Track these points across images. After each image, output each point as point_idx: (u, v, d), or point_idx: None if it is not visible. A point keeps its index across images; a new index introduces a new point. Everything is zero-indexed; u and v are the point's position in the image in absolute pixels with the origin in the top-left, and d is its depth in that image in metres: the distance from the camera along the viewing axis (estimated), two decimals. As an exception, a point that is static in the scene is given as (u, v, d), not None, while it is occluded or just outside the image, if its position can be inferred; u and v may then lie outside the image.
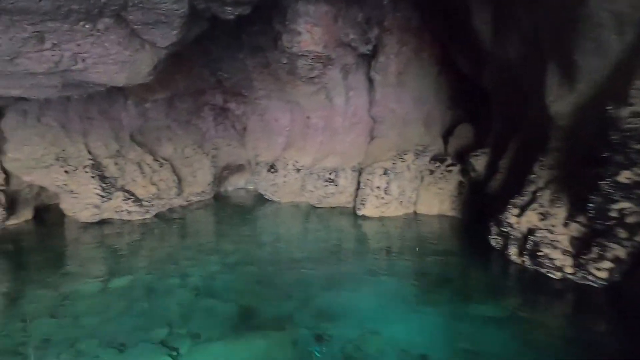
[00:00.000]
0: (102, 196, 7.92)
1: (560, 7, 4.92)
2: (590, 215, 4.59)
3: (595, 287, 4.60)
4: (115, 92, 8.19)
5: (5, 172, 7.63)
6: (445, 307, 4.48)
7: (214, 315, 4.34)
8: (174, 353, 3.69)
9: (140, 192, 8.42)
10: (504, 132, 7.15)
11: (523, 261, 5.36)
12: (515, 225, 5.56)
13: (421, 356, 3.56)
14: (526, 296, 4.80)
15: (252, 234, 7.68)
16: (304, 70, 8.56)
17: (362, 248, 7.02)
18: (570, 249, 4.92)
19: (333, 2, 7.79)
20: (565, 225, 5.04)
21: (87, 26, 4.53)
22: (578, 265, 4.77)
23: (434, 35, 8.27)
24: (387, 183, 8.24)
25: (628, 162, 4.29)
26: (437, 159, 8.53)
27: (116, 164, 8.38)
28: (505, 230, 5.70)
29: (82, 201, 7.87)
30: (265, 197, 10.10)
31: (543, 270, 5.04)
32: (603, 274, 4.52)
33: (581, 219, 4.85)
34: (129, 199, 8.18)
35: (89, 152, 8.04)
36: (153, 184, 8.72)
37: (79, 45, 4.75)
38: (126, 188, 8.33)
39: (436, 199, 8.30)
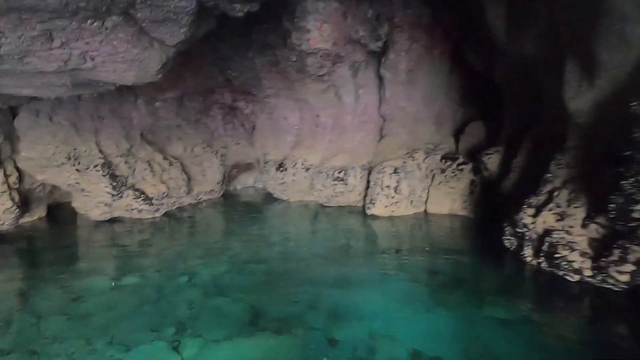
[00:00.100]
0: (113, 195, 7.98)
1: (580, 0, 4.75)
2: (612, 216, 4.43)
3: (615, 290, 4.44)
4: (125, 92, 8.24)
5: (19, 170, 7.76)
6: (459, 309, 4.37)
7: (223, 314, 4.33)
8: (183, 352, 3.68)
9: (150, 191, 8.47)
10: (517, 130, 6.97)
11: (539, 263, 5.22)
12: (531, 226, 5.41)
13: (434, 359, 3.48)
14: (542, 299, 4.66)
15: (261, 232, 7.65)
16: (313, 68, 8.49)
17: (372, 247, 6.93)
18: (589, 250, 4.77)
19: (342, -2, 7.70)
20: (584, 226, 4.88)
21: (95, 24, 4.53)
22: (597, 268, 4.61)
23: (445, 31, 8.11)
24: (397, 182, 8.13)
25: (651, 161, 4.12)
26: (448, 157, 8.39)
27: (126, 162, 8.43)
28: (520, 230, 5.55)
29: (93, 199, 7.95)
30: (274, 195, 10.08)
31: (560, 273, 4.90)
32: (624, 277, 4.36)
33: (600, 219, 4.69)
34: (139, 197, 8.23)
35: (100, 151, 8.11)
36: (163, 182, 8.77)
37: (87, 43, 4.74)
38: (136, 187, 8.37)
39: (447, 198, 8.16)
